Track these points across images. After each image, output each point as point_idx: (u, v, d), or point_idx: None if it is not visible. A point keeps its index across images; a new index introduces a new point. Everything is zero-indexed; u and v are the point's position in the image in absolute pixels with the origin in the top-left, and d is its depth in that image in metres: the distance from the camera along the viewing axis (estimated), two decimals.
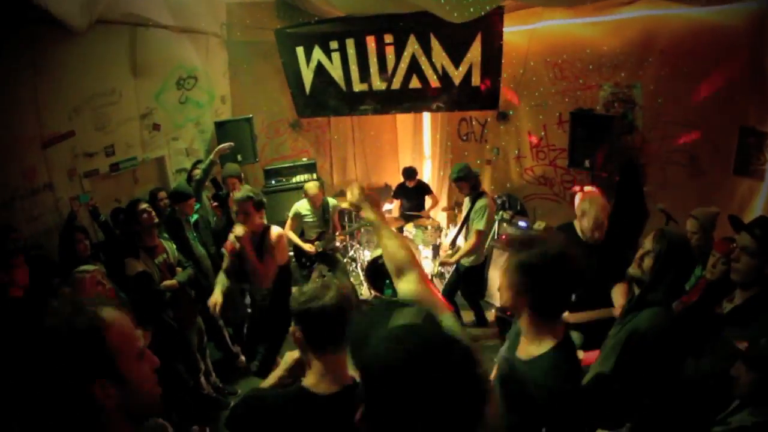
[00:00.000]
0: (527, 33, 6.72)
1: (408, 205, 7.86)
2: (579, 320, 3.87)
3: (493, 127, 7.63)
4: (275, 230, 4.40)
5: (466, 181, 5.56)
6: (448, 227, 8.01)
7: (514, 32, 6.70)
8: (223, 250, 4.80)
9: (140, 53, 5.85)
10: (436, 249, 7.48)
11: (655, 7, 5.36)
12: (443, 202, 8.40)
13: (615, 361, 2.55)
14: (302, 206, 6.37)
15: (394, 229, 6.88)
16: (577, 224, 3.99)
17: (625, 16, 5.70)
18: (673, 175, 5.64)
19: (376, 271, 7.07)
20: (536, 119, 7.07)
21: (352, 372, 1.92)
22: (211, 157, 5.66)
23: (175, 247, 4.98)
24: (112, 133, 5.72)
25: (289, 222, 6.38)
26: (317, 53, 7.32)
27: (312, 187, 6.29)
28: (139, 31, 5.75)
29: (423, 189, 7.84)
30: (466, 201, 5.75)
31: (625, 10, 5.66)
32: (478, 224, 5.41)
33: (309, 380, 1.88)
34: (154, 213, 4.70)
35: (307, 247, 6.40)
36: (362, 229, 7.82)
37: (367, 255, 7.62)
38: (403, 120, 8.83)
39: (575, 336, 4.02)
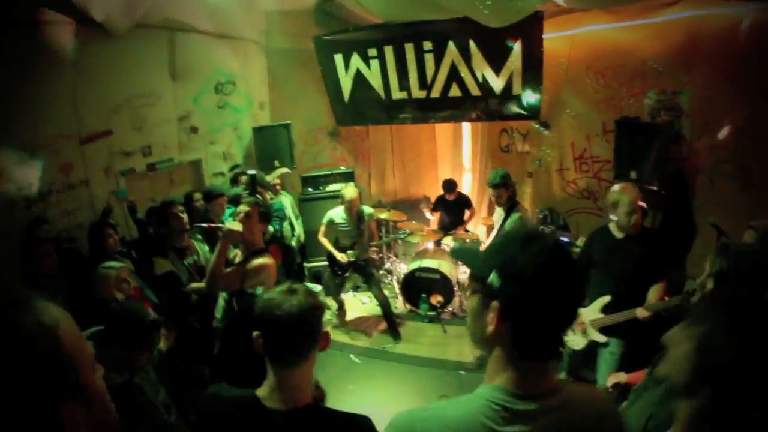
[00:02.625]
0: (568, 39, 6.48)
1: (448, 219, 7.67)
2: (618, 320, 3.67)
3: (535, 138, 7.37)
4: (265, 259, 3.55)
5: (505, 188, 5.21)
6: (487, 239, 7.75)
7: (555, 39, 6.48)
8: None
9: (179, 57, 6.01)
10: None
11: (699, 7, 5.05)
12: (482, 214, 8.14)
13: None
14: (336, 213, 6.31)
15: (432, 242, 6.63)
16: (611, 225, 3.84)
17: (668, 18, 5.38)
18: (723, 187, 5.21)
19: (412, 285, 6.93)
20: (579, 129, 6.76)
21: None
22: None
23: (207, 249, 4.99)
24: (150, 134, 5.86)
25: (322, 228, 6.34)
26: (356, 60, 7.33)
27: (350, 191, 6.21)
28: (178, 36, 5.92)
29: (463, 202, 7.63)
30: (499, 212, 5.42)
31: (668, 11, 5.36)
32: None
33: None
34: (185, 218, 4.73)
35: (340, 255, 6.31)
36: (399, 241, 7.68)
37: (403, 268, 7.46)
38: (443, 130, 8.68)
39: (614, 344, 3.80)
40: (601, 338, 3.84)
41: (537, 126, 7.18)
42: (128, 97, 5.57)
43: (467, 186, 8.60)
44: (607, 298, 3.79)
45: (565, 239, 6.54)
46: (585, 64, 6.41)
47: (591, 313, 3.88)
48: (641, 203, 3.81)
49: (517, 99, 6.78)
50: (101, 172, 5.36)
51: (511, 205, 5.27)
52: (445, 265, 6.80)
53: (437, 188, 7.75)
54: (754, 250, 2.53)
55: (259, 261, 3.49)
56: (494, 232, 5.68)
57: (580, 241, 6.46)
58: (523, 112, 6.85)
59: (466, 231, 7.55)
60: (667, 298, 3.63)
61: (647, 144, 5.72)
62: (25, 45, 4.43)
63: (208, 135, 6.71)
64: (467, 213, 7.66)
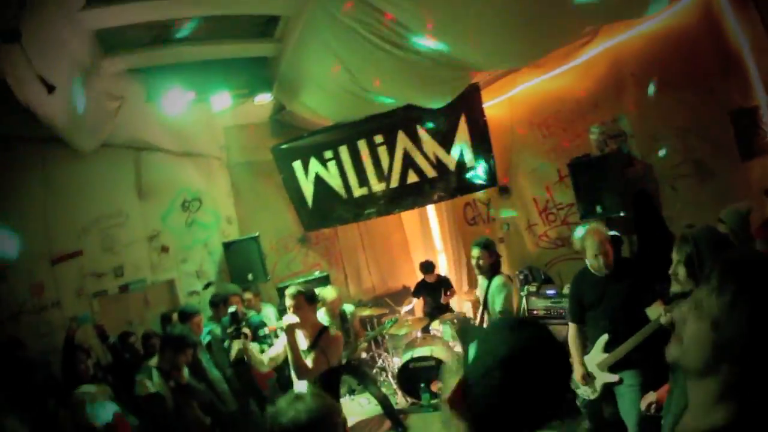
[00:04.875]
0: (507, 102, 7.02)
1: (432, 303, 7.54)
2: (624, 352, 3.60)
3: (498, 204, 7.63)
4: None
5: (487, 251, 5.06)
6: (475, 316, 7.60)
7: (495, 104, 7.02)
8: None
9: (145, 176, 6.14)
10: None
11: (614, 35, 5.61)
12: (463, 290, 8.09)
13: None
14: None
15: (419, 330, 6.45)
16: (588, 263, 3.87)
17: (591, 55, 5.95)
18: (685, 188, 5.46)
19: (409, 377, 6.58)
20: (537, 183, 7.08)
21: None
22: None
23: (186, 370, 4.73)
24: (121, 255, 5.77)
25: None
26: (314, 165, 7.61)
27: (329, 292, 6.08)
28: (144, 155, 6.09)
29: (444, 283, 7.58)
30: (481, 282, 5.30)
31: (588, 48, 5.92)
32: (498, 305, 4.92)
33: None
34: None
35: None
36: (387, 336, 7.43)
37: (396, 361, 7.13)
38: (409, 218, 8.88)
39: (629, 376, 3.65)
40: (613, 377, 3.73)
41: (498, 192, 7.48)
42: (97, 217, 5.57)
43: (443, 266, 8.60)
44: (605, 337, 3.75)
45: (551, 292, 6.53)
46: (527, 121, 6.90)
47: (595, 356, 3.81)
48: (612, 233, 3.98)
49: (473, 171, 7.05)
50: (73, 294, 5.14)
51: (492, 274, 5.11)
52: (438, 350, 6.55)
53: (415, 277, 7.74)
54: (708, 227, 2.70)
55: (330, 335, 3.90)
56: (481, 306, 5.57)
57: (566, 289, 6.49)
58: (480, 182, 7.10)
59: (452, 311, 7.44)
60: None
61: (603, 176, 6.00)
62: None
63: (180, 253, 6.63)
64: (448, 293, 7.54)
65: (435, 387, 6.47)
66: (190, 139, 6.66)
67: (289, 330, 3.76)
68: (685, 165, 5.44)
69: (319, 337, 3.89)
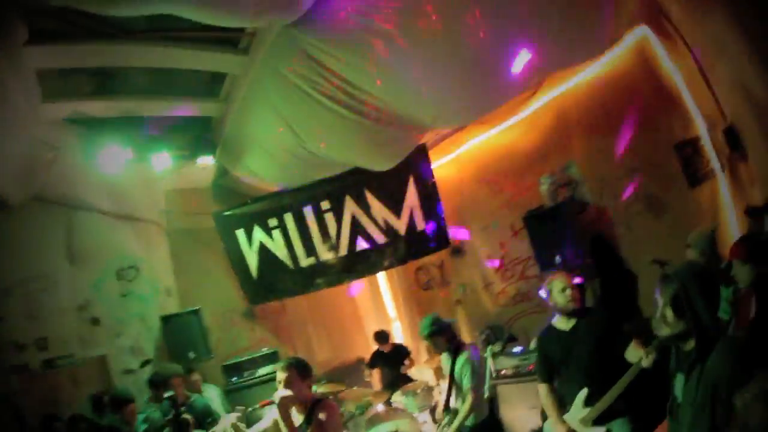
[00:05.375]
0: (455, 161, 7.17)
1: (390, 374, 7.08)
2: (608, 402, 3.39)
3: (452, 266, 7.53)
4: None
5: (440, 335, 4.91)
6: (438, 382, 7.19)
7: (443, 164, 7.14)
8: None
9: (77, 238, 5.50)
10: (433, 411, 6.58)
11: (558, 84, 5.91)
12: (423, 358, 7.69)
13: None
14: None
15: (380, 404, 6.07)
16: (554, 322, 3.84)
17: (536, 107, 6.23)
18: (642, 224, 5.61)
19: None
20: (491, 240, 7.09)
21: None
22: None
23: None
24: (45, 324, 4.97)
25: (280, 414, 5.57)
26: (258, 233, 7.19)
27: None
28: (77, 214, 5.48)
29: (401, 352, 7.20)
30: (444, 357, 5.10)
31: (533, 101, 6.20)
32: (467, 382, 4.74)
33: None
34: None
35: None
36: (345, 413, 6.81)
37: None
38: (359, 287, 8.50)
39: (618, 425, 3.45)
40: (601, 430, 3.50)
41: (451, 253, 7.39)
42: (20, 279, 4.80)
43: (399, 336, 8.20)
44: (584, 392, 3.57)
45: (518, 350, 6.35)
46: (476, 178, 7.03)
47: (576, 413, 3.60)
48: (576, 281, 3.88)
49: (423, 234, 6.93)
50: None
51: (455, 348, 4.94)
52: (403, 425, 6.03)
53: (369, 347, 7.32)
54: (687, 263, 2.79)
55: (325, 408, 3.53)
56: (445, 378, 5.29)
57: (533, 344, 6.33)
58: (432, 245, 6.97)
59: (411, 381, 7.01)
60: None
61: (558, 225, 6.11)
62: None
63: (113, 327, 5.85)
64: (406, 362, 7.15)
65: None
66: (128, 201, 6.13)
67: (282, 405, 3.41)
68: (637, 203, 5.64)
69: (314, 410, 3.53)
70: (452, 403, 5.05)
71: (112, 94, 5.63)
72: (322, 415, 3.47)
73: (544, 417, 5.25)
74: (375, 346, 7.27)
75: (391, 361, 7.12)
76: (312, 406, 3.54)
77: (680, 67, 4.94)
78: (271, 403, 3.65)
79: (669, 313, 2.21)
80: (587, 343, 3.57)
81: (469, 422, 4.79)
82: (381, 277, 8.37)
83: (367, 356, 7.40)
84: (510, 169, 6.73)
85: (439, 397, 6.61)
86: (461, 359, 4.81)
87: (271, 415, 3.63)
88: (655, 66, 5.13)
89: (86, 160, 5.54)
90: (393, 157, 6.41)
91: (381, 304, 8.41)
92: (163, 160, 6.27)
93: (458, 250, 7.41)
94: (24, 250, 4.84)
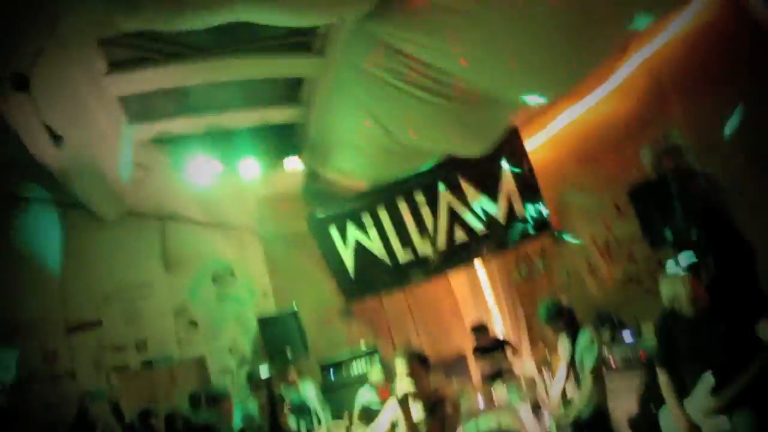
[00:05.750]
0: (549, 142, 6.68)
1: (491, 367, 6.77)
2: (737, 391, 3.07)
3: (554, 252, 6.97)
4: (452, 397, 3.51)
5: (559, 318, 4.72)
6: (541, 373, 6.70)
7: (538, 146, 6.69)
8: None
9: (172, 247, 5.92)
10: (536, 404, 6.15)
11: (644, 44, 5.23)
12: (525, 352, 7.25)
13: None
14: (368, 399, 5.79)
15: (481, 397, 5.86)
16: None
17: (628, 71, 5.56)
18: (756, 188, 4.78)
19: None
20: (595, 222, 6.42)
21: None
22: None
23: None
24: (144, 328, 5.43)
25: (356, 416, 5.66)
26: (352, 231, 7.22)
27: (376, 375, 5.87)
28: (170, 225, 5.90)
29: (502, 344, 6.91)
30: (564, 341, 4.76)
31: (623, 64, 5.52)
32: (590, 363, 4.40)
33: None
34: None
35: None
36: None
37: None
38: (458, 278, 8.27)
39: (740, 421, 3.09)
40: (724, 424, 3.15)
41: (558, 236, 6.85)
42: (119, 287, 5.32)
43: (499, 328, 7.82)
44: (710, 380, 3.19)
45: (629, 338, 5.72)
46: (574, 157, 6.43)
47: (699, 402, 3.26)
48: (690, 260, 3.86)
49: (522, 219, 6.61)
50: (90, 365, 4.77)
51: (576, 329, 4.65)
52: (505, 417, 5.88)
53: (469, 339, 7.11)
54: None
55: (448, 407, 3.30)
56: (562, 364, 4.91)
57: (645, 329, 5.66)
58: (532, 231, 6.61)
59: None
60: None
61: (666, 198, 5.36)
62: (8, 220, 4.32)
63: (210, 328, 6.21)
64: (508, 353, 6.85)
65: None
66: (219, 209, 6.48)
67: (404, 401, 3.20)
68: (750, 166, 4.78)
69: (435, 408, 3.29)
70: (569, 391, 4.80)
71: (194, 111, 5.94)
72: (448, 410, 3.27)
73: (642, 404, 4.71)
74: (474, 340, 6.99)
75: (492, 353, 6.82)
76: (435, 402, 3.31)
77: None
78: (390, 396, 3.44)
79: None
80: (713, 327, 3.26)
81: (583, 412, 4.43)
82: (479, 267, 8.00)
83: (466, 350, 7.20)
84: (608, 143, 6.03)
85: (542, 389, 6.22)
86: (585, 337, 4.49)
87: (389, 413, 3.35)
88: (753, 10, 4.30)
89: (176, 174, 5.92)
90: (485, 141, 6.14)
91: (481, 295, 8.04)
92: (251, 168, 6.49)
93: (560, 235, 6.82)
94: (121, 259, 5.34)
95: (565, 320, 4.68)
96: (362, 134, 6.07)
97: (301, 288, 7.40)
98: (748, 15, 4.37)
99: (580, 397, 4.42)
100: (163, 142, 5.87)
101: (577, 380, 4.57)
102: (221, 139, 6.36)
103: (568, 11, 4.18)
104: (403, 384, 3.23)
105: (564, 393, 4.86)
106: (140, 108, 5.55)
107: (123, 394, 4.91)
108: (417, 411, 3.29)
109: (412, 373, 3.24)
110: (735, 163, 4.91)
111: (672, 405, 3.42)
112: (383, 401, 5.28)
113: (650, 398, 4.27)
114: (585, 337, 4.49)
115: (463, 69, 4.75)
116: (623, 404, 5.03)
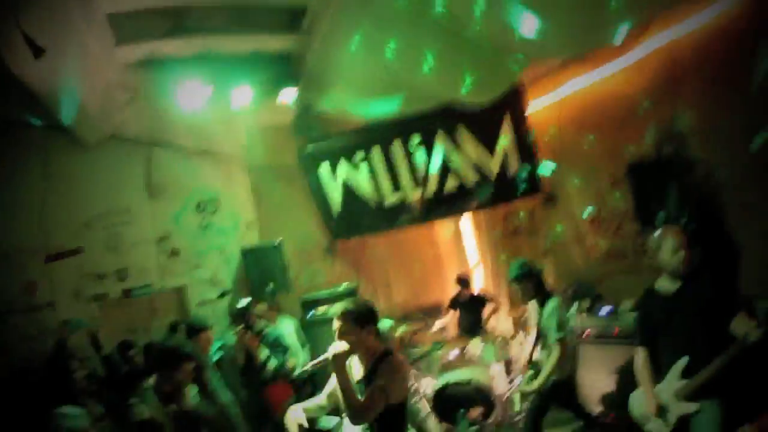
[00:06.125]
0: (554, 105, 6.44)
1: (467, 320, 6.93)
2: (707, 376, 3.05)
3: (543, 214, 6.94)
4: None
5: (528, 280, 4.65)
6: (515, 334, 6.88)
7: (543, 108, 6.45)
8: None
9: (156, 173, 5.74)
10: (508, 363, 6.34)
11: (666, 27, 4.99)
12: (504, 307, 7.38)
13: None
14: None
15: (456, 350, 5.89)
16: (656, 285, 3.43)
17: (647, 51, 5.34)
18: (758, 185, 4.66)
19: (446, 402, 5.81)
20: (588, 190, 6.36)
21: None
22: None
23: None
24: (125, 256, 5.36)
25: (335, 372, 5.63)
26: (343, 168, 7.08)
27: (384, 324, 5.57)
28: (156, 151, 5.69)
29: (483, 299, 7.02)
30: (532, 306, 4.82)
31: (641, 41, 5.27)
32: (555, 333, 4.41)
33: None
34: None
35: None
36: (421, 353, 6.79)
37: (429, 382, 6.45)
38: (443, 228, 8.29)
39: (707, 408, 3.10)
40: (692, 407, 3.15)
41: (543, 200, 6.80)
42: (101, 213, 5.18)
43: (481, 281, 7.95)
44: (683, 361, 3.19)
45: (606, 311, 5.80)
46: (577, 123, 6.23)
47: (671, 383, 3.25)
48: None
49: (515, 177, 6.50)
50: (70, 295, 4.72)
51: (544, 296, 4.64)
52: (478, 373, 5.92)
53: (448, 291, 7.12)
54: None
55: (389, 364, 3.01)
56: (532, 329, 4.95)
57: (624, 306, 5.75)
58: (523, 190, 6.52)
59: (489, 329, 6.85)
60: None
61: (663, 181, 5.31)
62: None
63: (192, 258, 6.18)
64: (487, 309, 6.95)
65: (474, 413, 5.82)
66: (208, 136, 6.25)
67: (337, 361, 2.92)
68: (755, 162, 4.64)
69: (378, 364, 3.04)
70: (536, 356, 4.84)
71: (187, 33, 5.58)
72: (385, 371, 2.98)
73: (620, 385, 4.85)
74: (454, 290, 7.08)
75: (471, 307, 6.95)
76: (377, 359, 3.04)
77: None
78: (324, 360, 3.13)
79: None
80: (692, 308, 3.21)
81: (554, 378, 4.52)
82: (467, 219, 7.98)
83: (445, 300, 7.24)
84: (612, 117, 5.86)
85: (517, 350, 6.36)
86: (551, 304, 4.51)
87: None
88: None
89: (164, 98, 5.65)
90: (491, 90, 5.89)
91: (463, 250, 8.08)
92: (243, 96, 6.24)
93: (551, 198, 6.77)
94: (103, 185, 5.17)
95: (535, 284, 4.66)
96: (365, 69, 5.83)
97: (287, 222, 7.31)
98: None
99: (546, 367, 4.48)
100: (152, 63, 5.54)
101: (543, 347, 4.65)
102: (213, 63, 6.04)
103: None
104: (337, 345, 2.96)
105: (531, 358, 4.89)
106: (130, 27, 5.19)
107: (102, 324, 4.91)
108: (358, 370, 3.11)
109: (344, 331, 2.97)
110: (738, 162, 4.78)
111: (644, 386, 3.44)
112: None
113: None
114: (552, 305, 4.51)
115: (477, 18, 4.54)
116: (593, 377, 5.22)
